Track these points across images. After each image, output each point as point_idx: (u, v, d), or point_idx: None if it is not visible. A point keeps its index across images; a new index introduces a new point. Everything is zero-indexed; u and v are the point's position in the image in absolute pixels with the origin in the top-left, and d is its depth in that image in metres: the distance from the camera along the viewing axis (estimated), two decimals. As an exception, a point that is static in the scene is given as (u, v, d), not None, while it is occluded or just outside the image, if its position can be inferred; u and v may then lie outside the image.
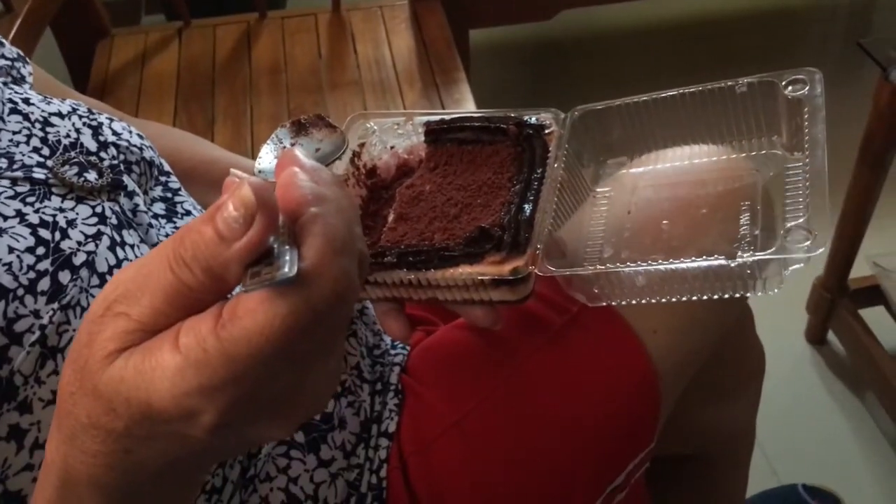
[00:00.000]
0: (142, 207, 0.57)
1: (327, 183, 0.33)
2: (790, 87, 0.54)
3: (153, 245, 0.57)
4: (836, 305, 1.35)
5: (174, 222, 0.61)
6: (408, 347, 0.70)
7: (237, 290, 0.31)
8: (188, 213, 0.63)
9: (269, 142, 0.50)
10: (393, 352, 0.70)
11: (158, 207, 0.61)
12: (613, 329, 0.62)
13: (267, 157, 0.49)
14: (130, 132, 0.61)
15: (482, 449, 0.61)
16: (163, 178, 0.63)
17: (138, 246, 0.55)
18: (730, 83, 0.56)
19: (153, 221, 0.58)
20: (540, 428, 0.61)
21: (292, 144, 0.52)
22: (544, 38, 2.14)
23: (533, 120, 0.60)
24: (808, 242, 0.45)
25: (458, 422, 0.61)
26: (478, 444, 0.61)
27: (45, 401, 0.47)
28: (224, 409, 0.30)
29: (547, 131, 0.59)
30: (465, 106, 1.31)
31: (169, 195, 0.63)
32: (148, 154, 0.62)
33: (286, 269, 0.29)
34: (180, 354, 0.30)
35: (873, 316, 1.33)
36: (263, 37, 1.46)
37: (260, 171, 0.48)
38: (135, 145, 0.60)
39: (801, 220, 0.46)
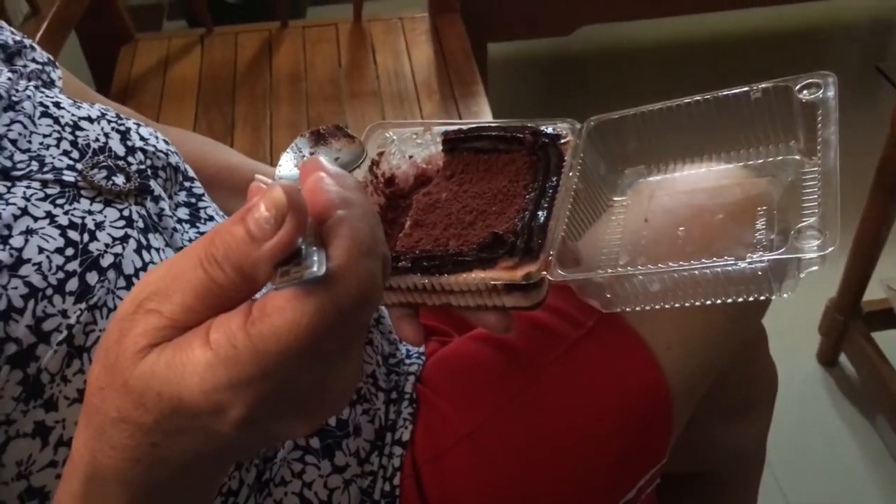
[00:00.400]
0: (167, 212, 0.58)
1: (352, 188, 0.34)
2: (804, 91, 0.54)
3: (177, 249, 0.57)
4: (848, 328, 1.34)
5: (197, 227, 0.62)
6: (423, 357, 0.71)
7: (265, 289, 0.32)
8: (211, 218, 0.64)
9: (288, 150, 0.51)
10: (408, 361, 0.70)
11: (182, 212, 0.62)
12: (628, 344, 0.62)
13: (287, 165, 0.50)
14: (157, 138, 0.63)
15: (495, 460, 0.61)
16: (187, 184, 0.64)
17: (163, 249, 0.56)
18: (745, 89, 0.56)
19: (177, 226, 0.59)
20: (553, 441, 0.61)
21: (312, 153, 0.53)
22: (562, 52, 2.15)
23: (549, 130, 0.61)
24: (818, 242, 0.45)
25: (472, 432, 0.62)
26: (490, 456, 0.61)
27: (70, 399, 0.47)
28: (252, 404, 0.31)
29: (562, 141, 0.60)
30: (483, 118, 1.32)
31: (193, 200, 0.64)
32: (174, 160, 0.63)
33: (315, 269, 0.30)
34: (211, 350, 0.30)
35: (886, 339, 1.33)
36: (284, 45, 1.48)
37: (280, 178, 0.48)
38: (161, 151, 0.62)
39: (811, 221, 0.46)
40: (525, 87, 2.13)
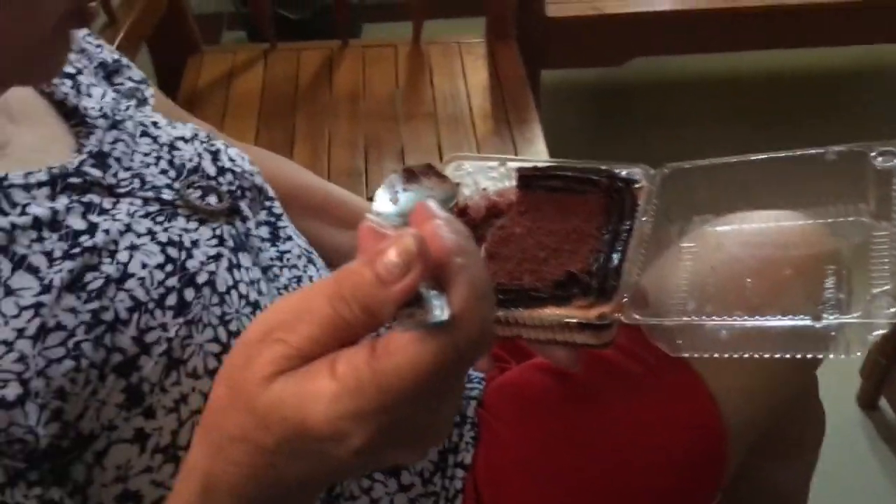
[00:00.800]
0: (253, 231, 0.61)
1: (464, 235, 0.36)
2: (880, 158, 0.56)
3: (264, 268, 0.60)
4: (890, 371, 1.34)
5: (277, 246, 0.64)
6: (483, 382, 0.73)
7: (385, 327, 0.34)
8: (290, 238, 0.66)
9: (382, 187, 0.54)
10: (469, 385, 0.72)
11: (263, 231, 0.65)
12: (689, 384, 0.64)
13: (382, 201, 0.52)
14: (243, 158, 0.66)
15: (552, 488, 0.63)
16: (267, 203, 0.67)
17: (251, 268, 0.58)
18: (820, 151, 0.58)
19: (262, 245, 0.62)
20: (609, 474, 0.63)
21: (405, 191, 0.55)
22: (612, 83, 2.17)
23: (623, 174, 0.63)
24: (893, 310, 0.47)
25: (531, 459, 0.64)
26: (549, 483, 0.63)
27: (167, 408, 0.50)
28: (371, 434, 0.33)
29: (636, 185, 0.62)
30: (536, 145, 1.35)
31: (272, 220, 0.66)
32: (258, 180, 0.66)
33: (439, 313, 0.32)
34: (337, 382, 0.33)
35: (929, 385, 1.32)
36: (345, 64, 1.51)
37: (378, 215, 0.51)
38: (248, 172, 0.65)
39: (887, 287, 0.48)
40: (572, 115, 2.15)
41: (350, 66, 1.51)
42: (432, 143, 1.35)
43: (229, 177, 0.63)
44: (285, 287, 0.62)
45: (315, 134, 1.37)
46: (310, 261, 0.67)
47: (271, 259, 0.63)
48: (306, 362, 0.34)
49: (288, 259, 0.64)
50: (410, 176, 0.57)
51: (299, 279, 0.64)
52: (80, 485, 0.48)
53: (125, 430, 0.49)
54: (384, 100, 1.44)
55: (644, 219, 0.60)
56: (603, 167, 0.64)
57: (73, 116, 0.60)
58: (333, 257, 0.75)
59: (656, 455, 0.63)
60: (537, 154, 1.31)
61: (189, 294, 0.52)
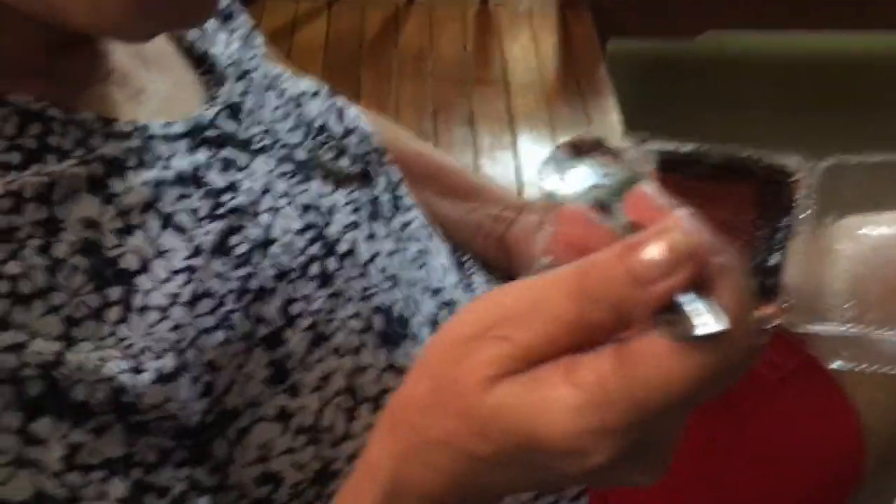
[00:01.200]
0: (381, 198, 0.57)
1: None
2: None
3: (397, 239, 0.56)
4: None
5: (403, 216, 0.60)
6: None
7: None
8: (410, 207, 0.62)
9: (546, 164, 0.50)
10: None
11: (385, 199, 0.61)
12: (829, 395, 0.61)
13: (551, 180, 0.48)
14: (364, 119, 0.61)
15: (682, 496, 0.60)
16: (385, 169, 0.63)
17: (384, 239, 0.54)
18: None
19: (390, 214, 0.58)
20: (739, 483, 0.60)
21: (572, 168, 0.51)
22: (681, 56, 2.09)
23: (780, 164, 0.59)
24: None
25: None
26: (677, 492, 0.60)
27: (311, 387, 0.47)
28: (615, 452, 0.29)
29: (793, 178, 0.58)
30: (610, 116, 1.30)
31: (392, 187, 0.62)
32: (378, 142, 0.62)
33: (713, 323, 0.28)
34: (580, 391, 0.28)
35: None
36: (411, 22, 1.47)
37: (549, 194, 0.47)
38: (369, 133, 0.60)
39: None
40: (626, 87, 2.09)
41: (416, 24, 1.46)
42: (502, 110, 1.31)
43: (355, 138, 0.59)
44: (413, 261, 0.58)
45: (381, 92, 1.33)
46: (431, 233, 0.63)
47: (397, 229, 0.59)
48: (531, 365, 0.30)
49: (412, 230, 0.61)
50: (576, 150, 0.53)
51: (424, 252, 0.60)
52: (221, 462, 0.45)
53: (269, 407, 0.46)
54: (452, 62, 1.40)
55: (802, 215, 0.56)
56: (754, 156, 0.60)
57: (201, 63, 0.56)
58: (442, 229, 0.71)
59: (793, 469, 0.60)
60: (612, 126, 1.27)
61: (331, 264, 0.49)
